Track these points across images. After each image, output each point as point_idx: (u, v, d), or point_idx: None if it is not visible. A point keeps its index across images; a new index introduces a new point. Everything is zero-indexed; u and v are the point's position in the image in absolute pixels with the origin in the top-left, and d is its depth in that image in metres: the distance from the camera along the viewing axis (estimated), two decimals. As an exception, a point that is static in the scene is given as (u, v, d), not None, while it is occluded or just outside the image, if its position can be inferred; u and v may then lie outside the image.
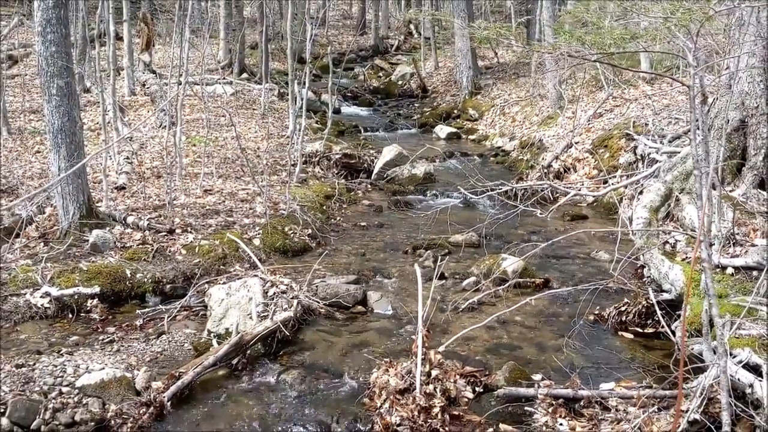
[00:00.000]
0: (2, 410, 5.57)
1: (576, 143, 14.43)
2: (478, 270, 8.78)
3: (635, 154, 12.58)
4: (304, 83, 14.44)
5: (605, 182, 12.08)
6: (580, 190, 10.54)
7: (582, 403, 5.29)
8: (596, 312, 7.48)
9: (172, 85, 15.86)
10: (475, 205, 12.61)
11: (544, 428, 4.78)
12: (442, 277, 8.54)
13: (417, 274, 6.85)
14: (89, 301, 7.97)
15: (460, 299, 7.96)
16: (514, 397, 5.70)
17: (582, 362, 5.62)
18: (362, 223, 11.77)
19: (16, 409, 5.57)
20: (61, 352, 6.75)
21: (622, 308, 7.28)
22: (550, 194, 11.72)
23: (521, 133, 17.47)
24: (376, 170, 14.89)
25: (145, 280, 8.49)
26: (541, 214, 8.88)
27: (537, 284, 8.34)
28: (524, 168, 14.91)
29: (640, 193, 10.41)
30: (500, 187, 8.84)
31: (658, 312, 6.82)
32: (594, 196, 11.66)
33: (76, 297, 7.91)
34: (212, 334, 7.12)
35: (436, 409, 5.34)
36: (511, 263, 8.52)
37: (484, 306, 7.84)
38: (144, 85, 20.81)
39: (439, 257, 7.45)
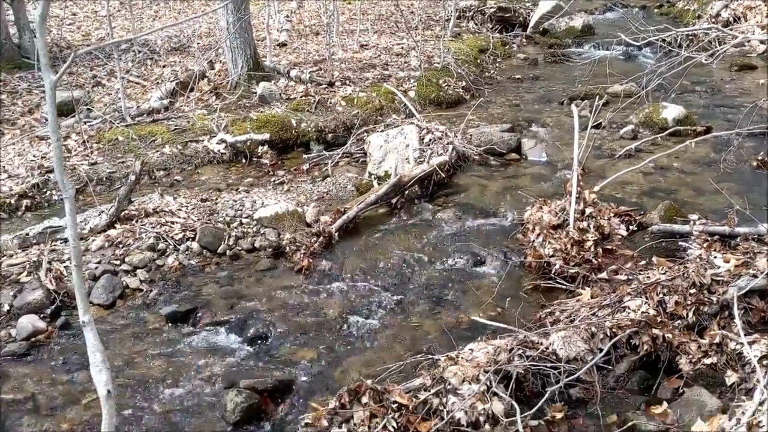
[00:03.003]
0: (193, 236, 6.27)
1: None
2: (636, 119, 8.63)
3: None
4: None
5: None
6: (750, 36, 9.90)
7: (738, 240, 5.28)
8: (759, 158, 7.24)
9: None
10: (635, 57, 12.17)
11: (698, 260, 4.85)
12: (598, 126, 8.46)
13: (574, 113, 6.87)
14: (260, 147, 8.57)
15: (617, 146, 7.92)
16: (669, 233, 5.75)
17: (741, 205, 5.54)
18: (517, 76, 11.70)
19: (205, 235, 6.26)
20: (238, 190, 7.42)
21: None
22: (716, 42, 11.07)
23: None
24: (531, 23, 14.55)
25: (309, 129, 8.99)
26: (706, 60, 8.49)
27: (698, 132, 8.10)
28: (690, 18, 14.08)
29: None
30: (663, 33, 8.48)
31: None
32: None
33: (248, 143, 8.52)
34: (372, 176, 7.55)
35: (589, 243, 5.51)
36: (671, 111, 8.31)
37: (641, 153, 7.76)
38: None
39: (596, 106, 7.38)
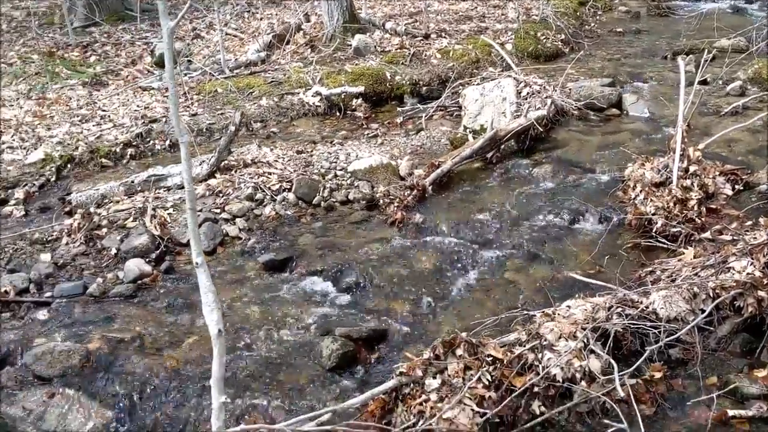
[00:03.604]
0: (289, 186, 6.37)
1: None
2: (744, 75, 8.23)
3: None
4: None
5: None
6: None
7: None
8: None
9: None
10: (744, 10, 11.58)
11: (812, 221, 4.63)
12: (704, 82, 8.11)
13: (681, 67, 6.58)
14: (354, 100, 8.59)
15: (723, 103, 7.58)
16: (777, 193, 5.51)
17: None
18: (618, 29, 11.31)
19: (301, 186, 6.36)
20: (332, 143, 7.48)
21: None
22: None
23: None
24: (635, -26, 13.96)
25: (403, 82, 8.95)
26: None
27: (812, 89, 7.67)
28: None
29: None
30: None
31: None
32: None
33: (342, 96, 8.55)
34: (467, 130, 7.47)
35: (693, 201, 5.32)
36: (785, 66, 7.88)
37: (748, 111, 7.40)
38: None
39: (704, 61, 7.05)
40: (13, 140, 7.57)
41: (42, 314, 5.03)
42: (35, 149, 7.37)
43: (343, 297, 5.14)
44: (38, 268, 5.46)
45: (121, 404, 4.10)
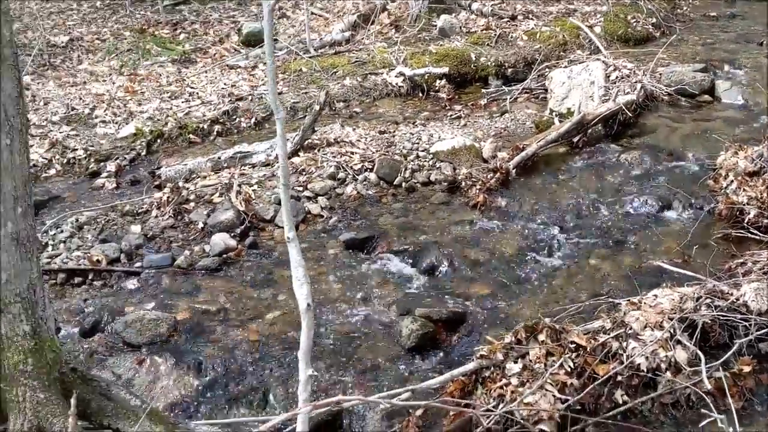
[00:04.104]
0: (371, 166, 6.40)
1: None
2: None
3: None
4: None
5: None
6: None
7: None
8: None
9: None
10: None
11: None
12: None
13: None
14: (437, 81, 8.54)
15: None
16: None
17: None
18: (712, 14, 10.89)
19: (382, 166, 6.37)
20: (415, 123, 7.47)
21: None
22: None
23: None
24: (732, -45, 13.40)
25: (488, 63, 8.84)
26: None
27: None
28: None
29: None
30: None
31: None
32: None
33: (426, 77, 8.51)
34: (554, 113, 7.34)
35: (789, 192, 5.13)
36: None
37: None
38: None
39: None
40: (106, 115, 7.82)
41: (131, 283, 5.21)
42: (126, 124, 7.59)
43: (423, 278, 5.15)
44: (129, 239, 5.64)
45: (206, 374, 4.22)
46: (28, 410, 2.51)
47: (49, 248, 5.50)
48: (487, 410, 3.52)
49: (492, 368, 3.74)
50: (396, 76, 8.57)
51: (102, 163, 7.05)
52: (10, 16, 2.60)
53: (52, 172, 6.94)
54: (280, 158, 2.12)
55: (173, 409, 4.03)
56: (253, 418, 3.89)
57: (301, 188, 6.13)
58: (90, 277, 5.27)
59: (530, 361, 3.73)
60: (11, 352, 2.57)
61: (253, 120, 7.77)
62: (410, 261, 5.32)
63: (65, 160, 7.08)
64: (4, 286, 2.60)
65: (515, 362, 3.73)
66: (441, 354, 4.39)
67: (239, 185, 6.11)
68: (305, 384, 2.34)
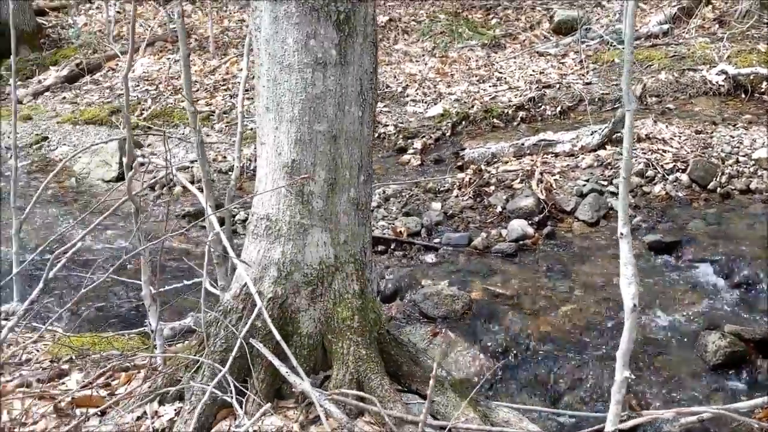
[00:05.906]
0: (683, 167, 6.02)
1: None
2: None
3: None
4: None
5: None
6: None
7: None
8: None
9: None
10: None
11: None
12: None
13: None
14: (764, 82, 7.80)
15: None
16: None
17: None
18: None
19: (696, 168, 5.97)
20: (735, 126, 6.88)
21: None
22: None
23: None
24: None
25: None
26: None
27: None
28: None
29: None
30: None
31: None
32: None
33: (751, 77, 7.80)
34: None
35: None
36: None
37: None
38: None
39: None
40: (417, 94, 8.18)
41: (430, 258, 5.42)
42: (435, 104, 7.88)
43: (735, 292, 4.75)
44: (430, 215, 5.86)
45: (497, 356, 4.27)
46: (351, 363, 2.69)
47: (359, 216, 5.89)
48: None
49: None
50: (717, 74, 7.97)
51: (409, 140, 7.39)
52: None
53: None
54: (624, 151, 2.05)
55: (464, 385, 4.13)
56: (577, 412, 3.80)
57: (605, 182, 5.95)
58: (392, 247, 5.56)
59: None
60: (341, 308, 2.77)
61: (558, 108, 7.68)
62: (721, 272, 4.92)
63: (376, 135, 7.53)
64: (342, 246, 2.81)
65: None
66: (749, 377, 4.03)
67: (541, 173, 6.07)
68: (620, 385, 2.26)
